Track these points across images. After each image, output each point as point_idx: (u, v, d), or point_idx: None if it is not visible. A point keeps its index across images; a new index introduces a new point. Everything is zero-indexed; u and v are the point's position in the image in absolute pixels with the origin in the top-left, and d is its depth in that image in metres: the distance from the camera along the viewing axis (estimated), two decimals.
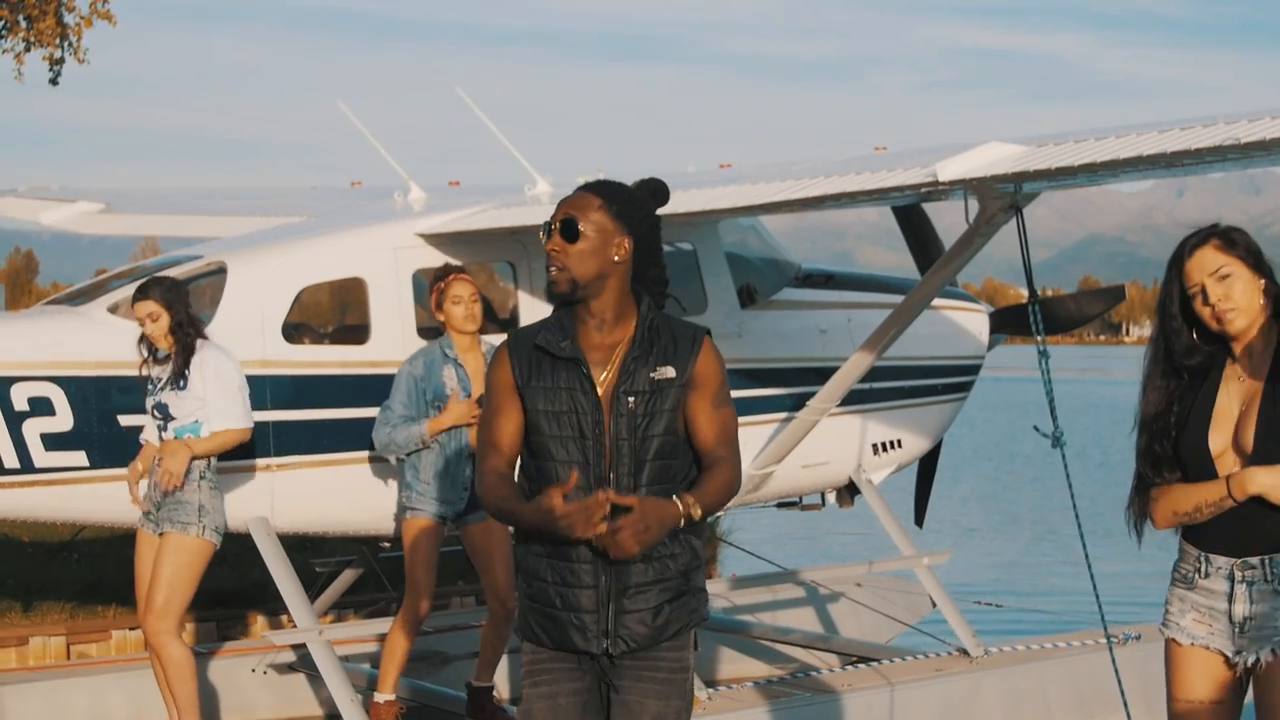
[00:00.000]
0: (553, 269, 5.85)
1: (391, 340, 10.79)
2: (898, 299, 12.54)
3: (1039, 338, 10.05)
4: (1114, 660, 9.64)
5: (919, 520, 14.40)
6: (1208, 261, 5.92)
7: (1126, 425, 6.30)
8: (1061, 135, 8.97)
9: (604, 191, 5.93)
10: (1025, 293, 10.45)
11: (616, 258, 5.86)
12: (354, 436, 10.65)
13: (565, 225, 5.83)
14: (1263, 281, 5.92)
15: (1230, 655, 5.98)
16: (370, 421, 10.30)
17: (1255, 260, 5.92)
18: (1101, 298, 13.85)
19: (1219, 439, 5.92)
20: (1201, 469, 5.94)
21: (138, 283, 9.95)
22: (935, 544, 15.65)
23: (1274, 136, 7.34)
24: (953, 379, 13.61)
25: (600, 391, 5.83)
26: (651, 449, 5.84)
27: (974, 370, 13.90)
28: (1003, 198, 9.81)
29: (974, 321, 13.82)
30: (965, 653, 11.97)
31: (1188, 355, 6.02)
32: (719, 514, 11.66)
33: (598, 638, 5.81)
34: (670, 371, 5.84)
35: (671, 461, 5.87)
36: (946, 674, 11.71)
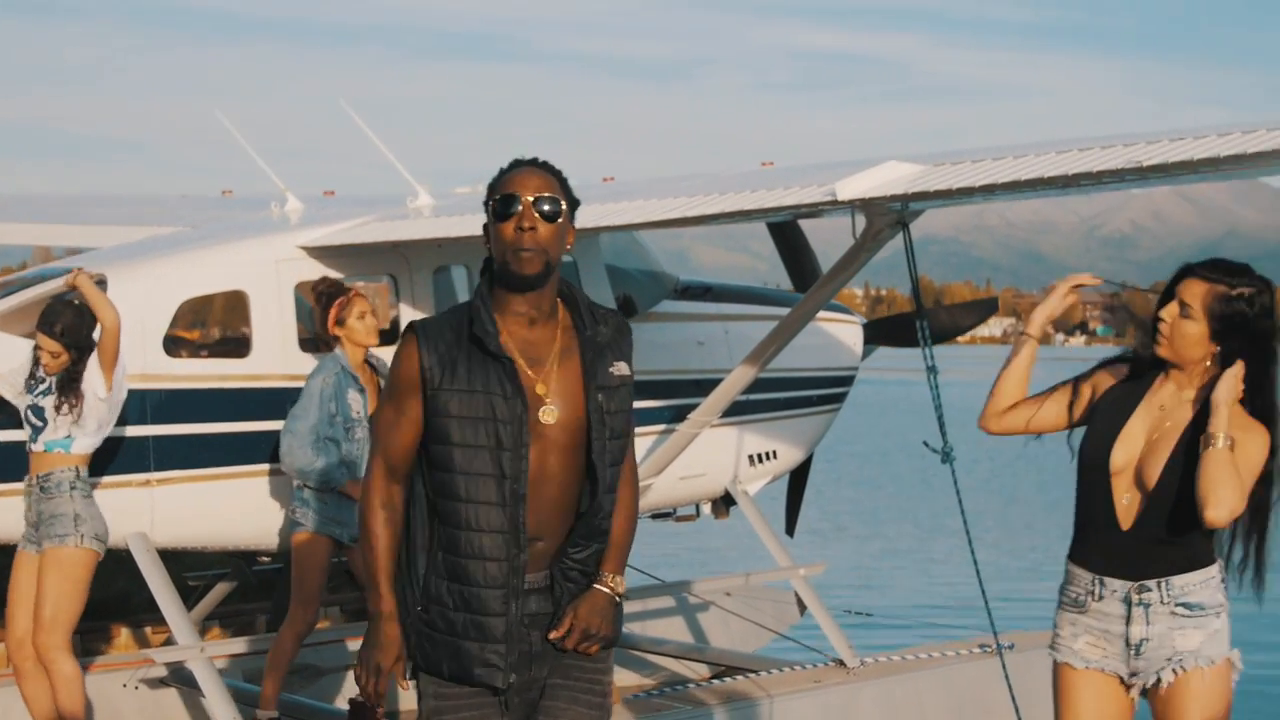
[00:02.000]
0: (526, 250, 5.32)
1: (273, 353, 10.68)
2: (774, 310, 12.61)
3: (927, 353, 10.11)
4: (1005, 669, 9.75)
5: (790, 530, 14.49)
6: (1189, 293, 6.01)
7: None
8: (957, 154, 9.04)
9: (557, 173, 5.53)
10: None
11: (568, 245, 5.51)
12: (236, 450, 10.53)
13: (547, 202, 5.39)
14: (1215, 349, 6.01)
15: (1125, 677, 6.09)
16: (252, 435, 10.20)
17: (1220, 329, 5.98)
18: (975, 310, 14.05)
19: (1121, 457, 6.02)
20: (1096, 480, 6.06)
21: (19, 296, 9.80)
22: (805, 554, 15.75)
23: (1174, 160, 7.42)
24: (828, 390, 13.69)
25: (537, 393, 5.39)
26: (611, 455, 5.48)
27: (848, 381, 13.99)
28: (891, 215, 9.87)
29: (848, 333, 13.91)
30: (842, 663, 12.02)
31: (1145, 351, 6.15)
32: None
33: (505, 671, 5.44)
34: (625, 368, 5.51)
35: (618, 471, 5.54)
36: (824, 685, 11.73)
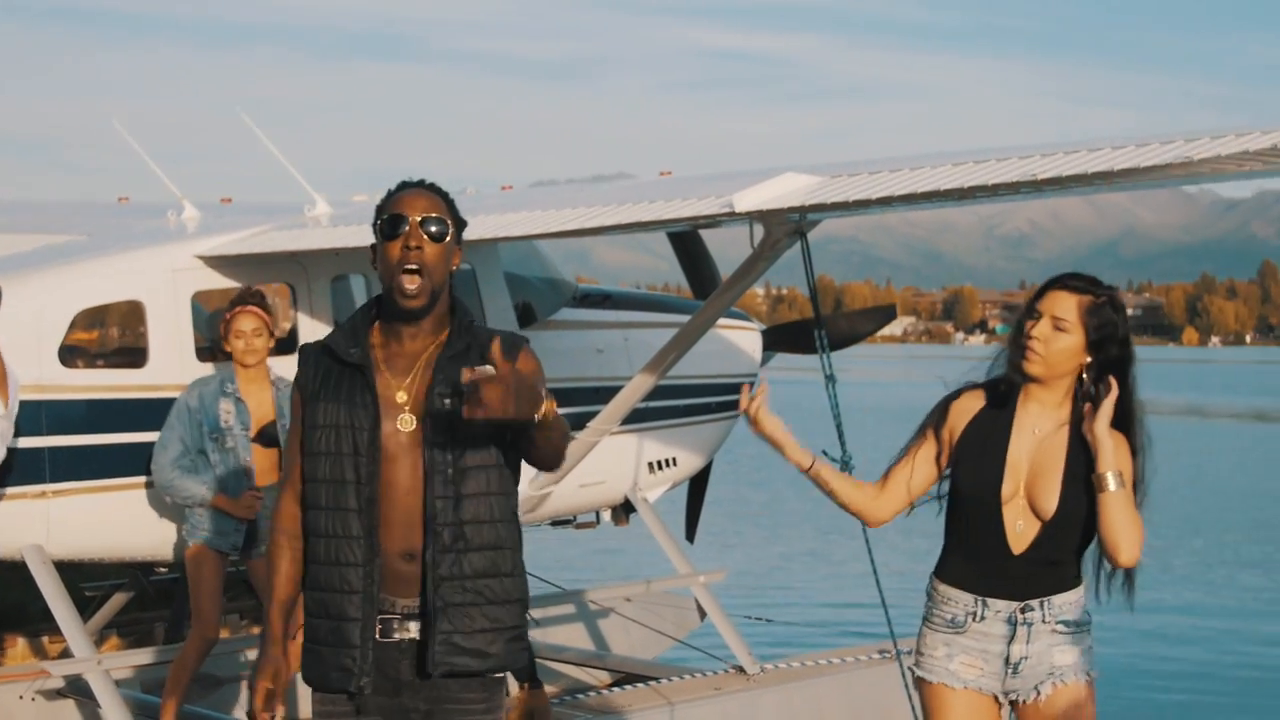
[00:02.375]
0: (410, 279, 5.32)
1: (170, 364, 10.62)
2: (673, 318, 12.63)
3: (825, 362, 10.16)
4: (904, 676, 9.80)
5: (690, 536, 14.52)
6: (1060, 307, 5.99)
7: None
8: (853, 165, 9.08)
9: (444, 194, 5.52)
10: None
11: (454, 267, 5.46)
12: (133, 461, 10.44)
13: (434, 222, 5.39)
14: (1086, 359, 6.01)
15: (999, 695, 6.13)
16: (149, 446, 10.15)
17: (1095, 339, 5.98)
18: (873, 316, 14.11)
19: (1009, 486, 6.03)
20: (985, 509, 6.04)
21: None
22: (705, 560, 15.76)
23: (1069, 174, 7.47)
24: (727, 397, 13.71)
25: (400, 400, 5.36)
26: (468, 459, 5.35)
27: None
28: (788, 225, 9.90)
29: (747, 339, 13.96)
30: (742, 670, 12.06)
31: (1012, 374, 6.12)
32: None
33: (358, 676, 5.37)
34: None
35: (494, 494, 5.39)
36: (725, 692, 11.79)
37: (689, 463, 13.55)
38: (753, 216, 9.31)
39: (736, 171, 9.78)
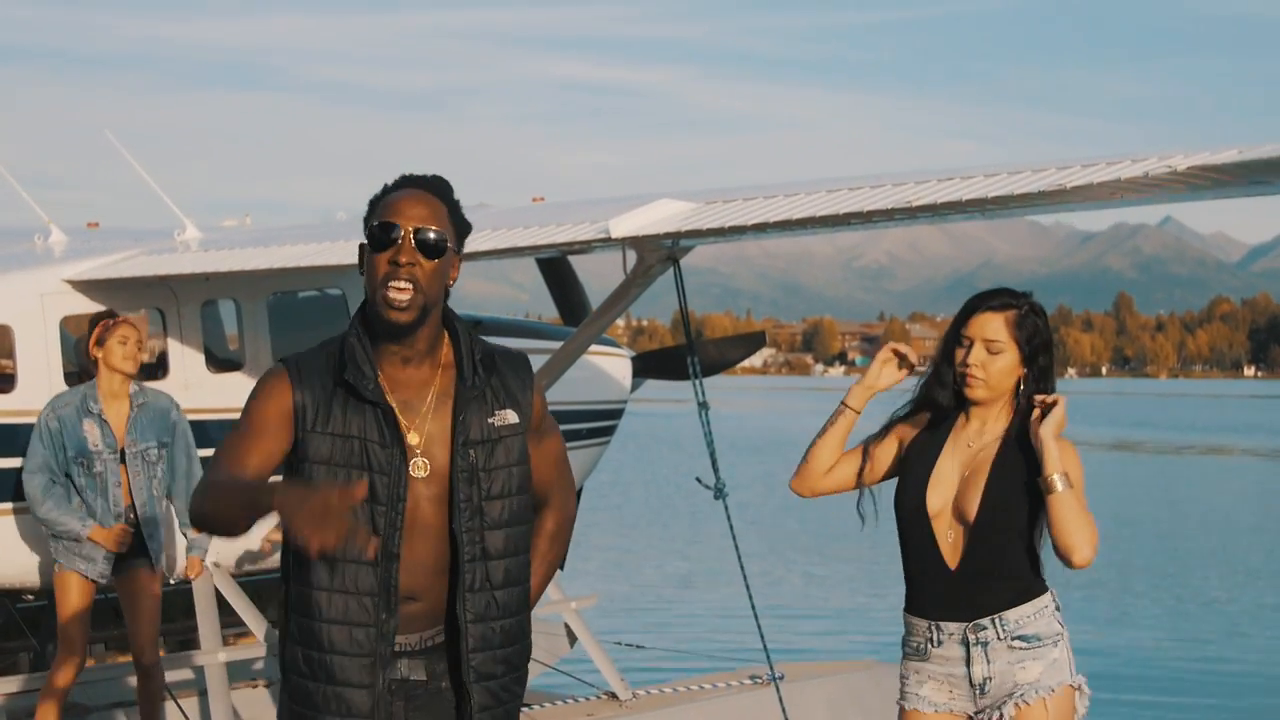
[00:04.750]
0: (399, 294, 4.72)
1: (39, 389, 10.48)
2: (544, 344, 12.60)
3: (699, 388, 10.20)
4: (781, 699, 9.85)
5: (560, 563, 14.47)
6: (989, 329, 6.00)
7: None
8: (729, 191, 9.12)
9: (446, 195, 4.90)
10: None
11: (451, 280, 4.88)
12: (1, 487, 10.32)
13: (431, 234, 4.76)
14: (1023, 372, 6.03)
15: (973, 715, 6.06)
16: (15, 472, 10.02)
17: (1029, 351, 6.01)
18: (743, 344, 14.19)
19: (937, 499, 6.01)
20: (917, 526, 6.03)
21: None
22: (576, 586, 15.76)
23: (943, 201, 7.53)
24: (597, 423, 13.73)
25: (412, 442, 4.81)
26: (499, 512, 4.87)
27: (617, 415, 14.04)
28: (662, 251, 9.94)
29: (617, 366, 13.97)
30: (614, 696, 12.04)
31: (938, 397, 6.14)
32: None
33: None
34: (512, 416, 4.87)
35: (521, 533, 4.95)
36: (596, 718, 11.76)
37: None
38: (626, 243, 9.33)
39: (609, 198, 9.80)
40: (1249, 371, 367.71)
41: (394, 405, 4.81)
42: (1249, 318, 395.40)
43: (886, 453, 6.27)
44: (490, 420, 4.88)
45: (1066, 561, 5.84)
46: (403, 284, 4.72)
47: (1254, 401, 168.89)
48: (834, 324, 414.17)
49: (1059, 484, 5.83)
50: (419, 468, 4.82)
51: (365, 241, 4.84)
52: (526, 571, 5.04)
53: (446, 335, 4.95)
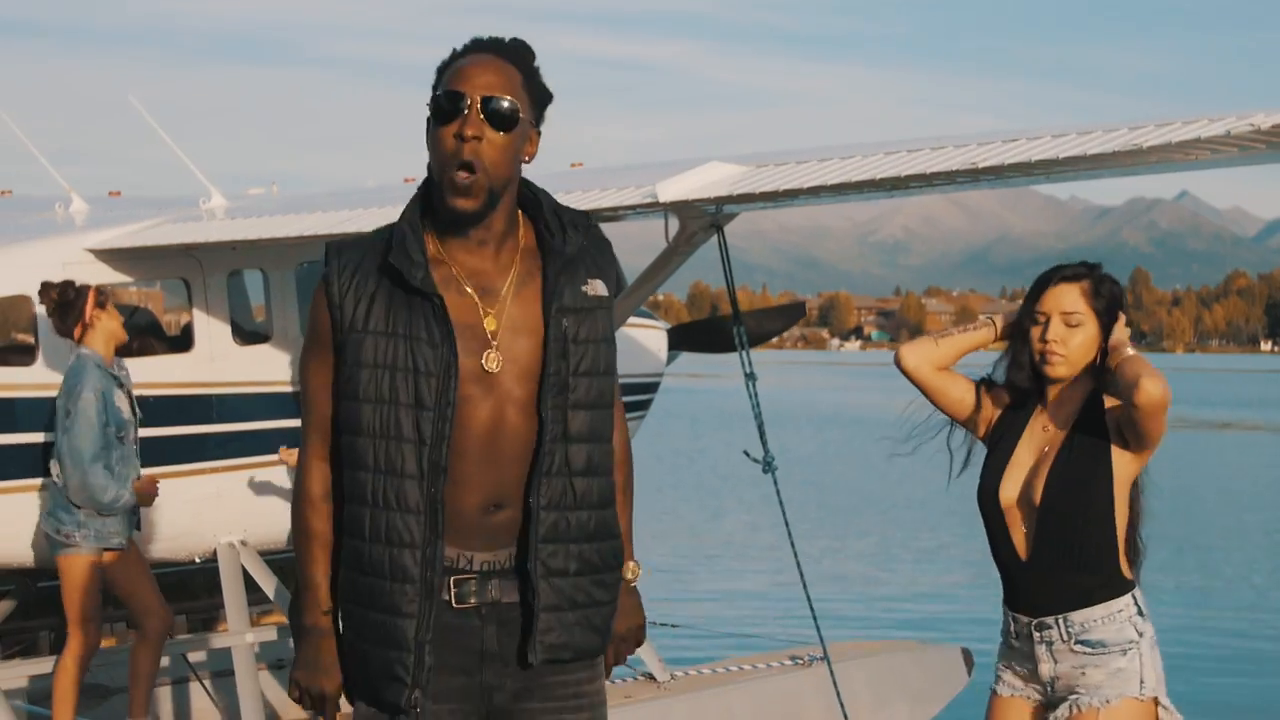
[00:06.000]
0: (463, 171, 4.21)
1: (60, 361, 10.19)
2: None
3: (746, 359, 9.93)
4: (835, 681, 9.62)
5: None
6: (1066, 301, 5.78)
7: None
8: (780, 155, 8.82)
9: (523, 61, 4.37)
10: None
11: (527, 157, 4.38)
12: (22, 462, 10.00)
13: (499, 106, 4.25)
14: (1102, 342, 5.78)
15: (1044, 705, 5.91)
16: (38, 446, 9.73)
17: (1108, 320, 5.77)
18: (782, 315, 13.95)
19: (1011, 488, 5.80)
20: (993, 516, 5.85)
21: None
22: None
23: (1010, 162, 7.23)
24: (633, 397, 13.46)
25: (489, 328, 4.30)
26: (585, 391, 4.35)
27: (653, 388, 13.81)
28: (705, 218, 9.66)
29: (653, 339, 13.71)
30: (652, 678, 11.78)
31: (1015, 379, 5.90)
32: None
33: (410, 688, 4.32)
34: (601, 287, 4.39)
35: (603, 416, 4.42)
36: (635, 700, 11.51)
37: None
38: (671, 208, 9.04)
39: (651, 162, 9.50)
40: (1266, 346, 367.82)
41: (463, 288, 4.33)
42: (1266, 292, 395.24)
43: (985, 408, 6.02)
44: (583, 289, 4.38)
45: (1132, 395, 5.44)
46: (465, 167, 4.21)
47: (1271, 376, 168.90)
48: (850, 299, 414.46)
49: (1128, 349, 5.60)
50: (492, 360, 4.30)
51: (429, 115, 4.33)
52: (609, 463, 4.47)
53: (522, 215, 4.46)
